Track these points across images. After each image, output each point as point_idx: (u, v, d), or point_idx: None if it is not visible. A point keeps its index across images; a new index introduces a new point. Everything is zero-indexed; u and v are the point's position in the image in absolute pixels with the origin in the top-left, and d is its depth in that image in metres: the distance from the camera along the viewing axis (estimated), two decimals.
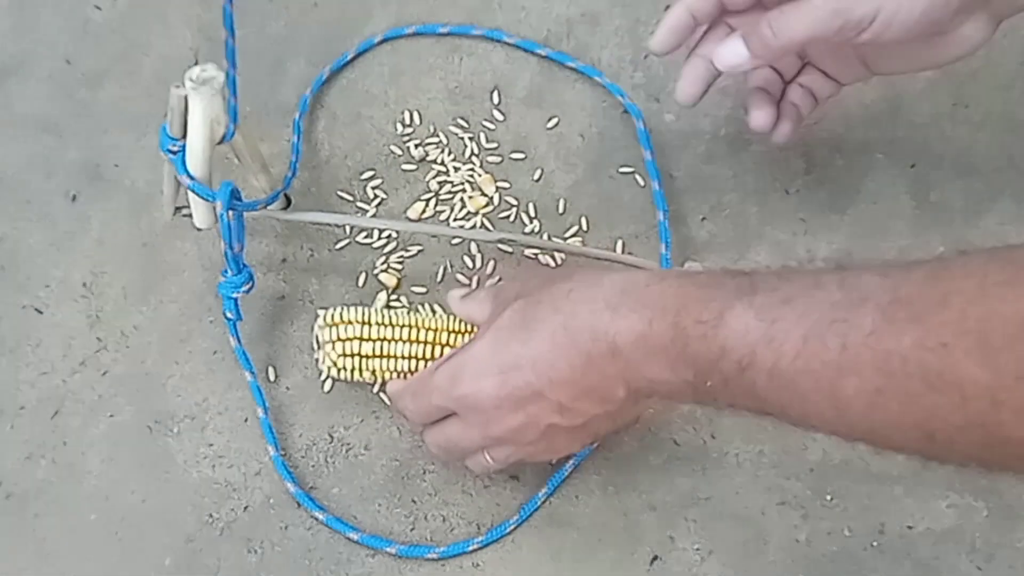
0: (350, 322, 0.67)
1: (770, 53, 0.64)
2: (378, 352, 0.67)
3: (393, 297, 0.75)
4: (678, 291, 0.54)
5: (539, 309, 0.58)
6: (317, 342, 0.69)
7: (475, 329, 0.69)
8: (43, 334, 0.75)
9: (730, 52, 0.65)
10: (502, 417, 0.59)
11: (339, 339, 0.67)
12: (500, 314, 0.60)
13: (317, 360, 0.69)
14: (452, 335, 0.68)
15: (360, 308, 0.68)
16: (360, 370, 0.67)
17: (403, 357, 0.67)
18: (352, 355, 0.67)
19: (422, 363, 0.67)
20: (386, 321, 0.67)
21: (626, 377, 0.56)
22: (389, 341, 0.67)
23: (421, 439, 0.67)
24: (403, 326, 0.67)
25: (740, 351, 0.50)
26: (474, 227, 0.78)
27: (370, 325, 0.67)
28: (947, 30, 0.63)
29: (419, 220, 0.78)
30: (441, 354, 0.67)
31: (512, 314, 0.59)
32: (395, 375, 0.67)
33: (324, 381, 0.73)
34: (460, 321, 0.68)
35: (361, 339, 0.67)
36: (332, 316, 0.67)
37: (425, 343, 0.67)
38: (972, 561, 0.67)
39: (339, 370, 0.67)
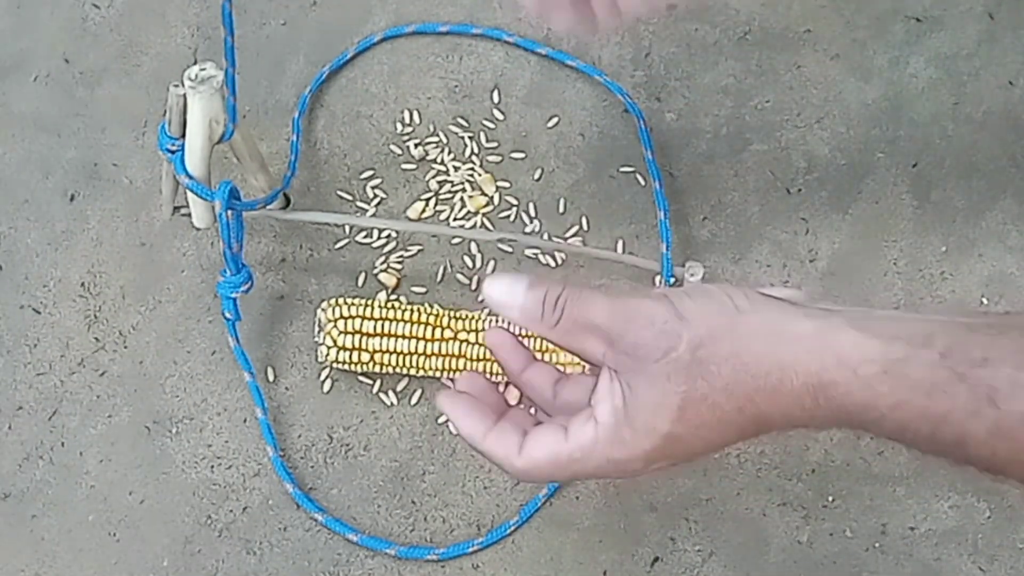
0: (353, 304, 0.69)
1: None
2: (379, 331, 0.69)
3: (393, 297, 0.75)
4: (893, 398, 0.43)
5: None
6: (319, 326, 0.70)
7: (479, 317, 0.69)
8: (41, 334, 0.75)
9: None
10: None
11: (341, 317, 0.69)
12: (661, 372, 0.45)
13: (317, 343, 0.70)
14: (455, 320, 0.69)
15: (364, 299, 0.70)
16: (360, 350, 0.69)
17: (404, 337, 0.69)
18: (353, 333, 0.68)
19: (422, 343, 0.68)
20: (389, 306, 0.70)
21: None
22: (391, 321, 0.69)
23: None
24: (406, 309, 0.69)
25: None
26: (474, 227, 0.77)
27: (373, 307, 0.69)
28: None
29: (419, 220, 0.78)
30: (442, 337, 0.68)
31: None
32: (394, 357, 0.69)
33: (323, 381, 0.73)
34: (465, 313, 0.70)
35: (363, 318, 0.69)
36: (336, 300, 0.70)
37: (427, 325, 0.69)
38: (975, 562, 0.67)
39: (339, 350, 0.69)
